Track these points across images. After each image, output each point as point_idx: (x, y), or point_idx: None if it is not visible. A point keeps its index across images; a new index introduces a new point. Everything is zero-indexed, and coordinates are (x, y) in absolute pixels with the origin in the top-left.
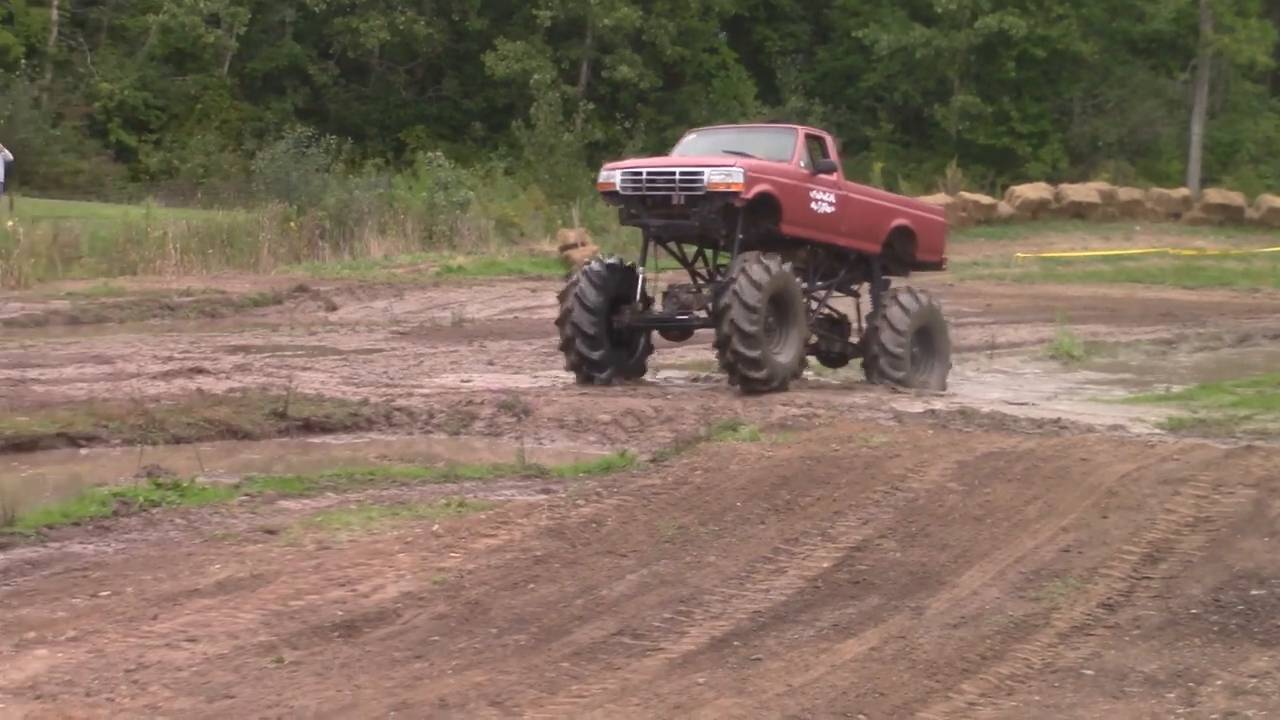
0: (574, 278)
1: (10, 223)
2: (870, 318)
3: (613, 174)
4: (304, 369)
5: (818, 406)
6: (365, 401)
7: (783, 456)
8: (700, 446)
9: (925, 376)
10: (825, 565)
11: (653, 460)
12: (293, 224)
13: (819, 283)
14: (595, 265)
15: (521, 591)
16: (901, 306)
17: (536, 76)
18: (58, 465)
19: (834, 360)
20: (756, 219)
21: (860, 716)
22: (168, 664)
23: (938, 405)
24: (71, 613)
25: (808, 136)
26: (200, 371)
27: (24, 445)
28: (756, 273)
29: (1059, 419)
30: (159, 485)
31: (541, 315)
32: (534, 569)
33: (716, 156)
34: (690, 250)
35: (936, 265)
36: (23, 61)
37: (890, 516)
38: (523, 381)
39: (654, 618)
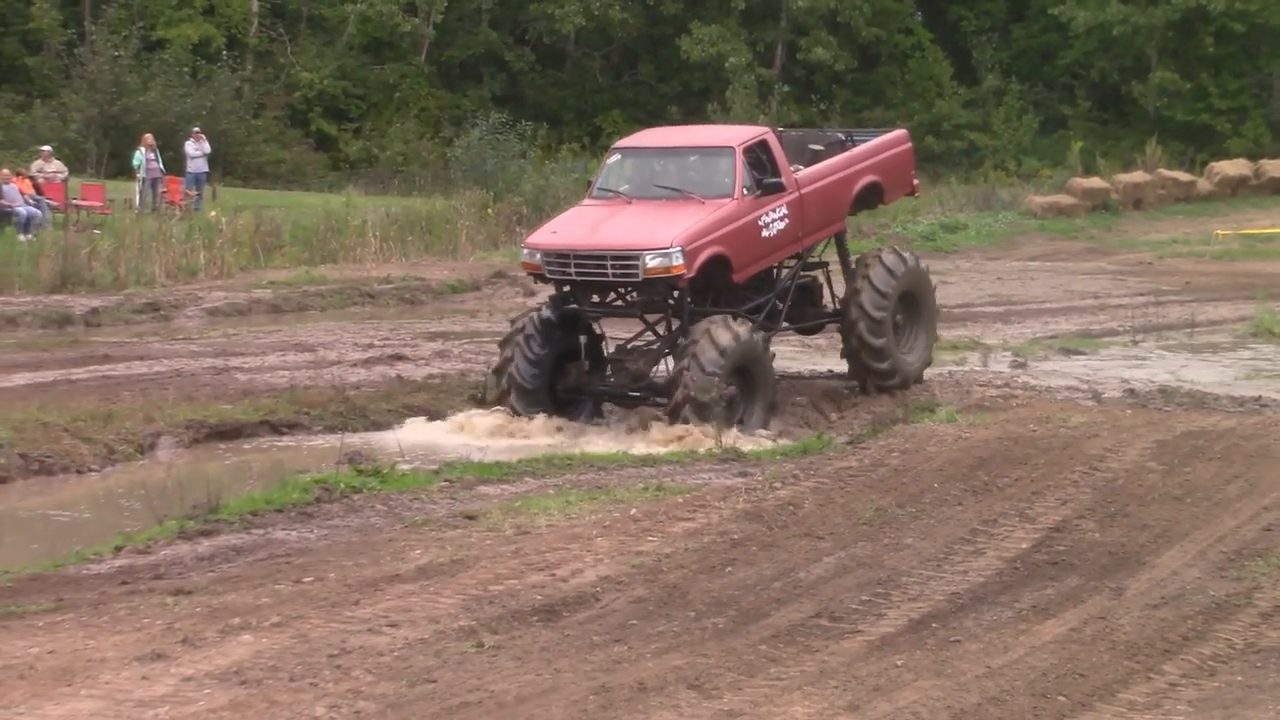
0: (519, 323)
1: (213, 213)
2: (850, 278)
3: (535, 254)
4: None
5: (1015, 387)
6: None
7: (980, 438)
8: (897, 429)
9: (908, 346)
10: (1024, 546)
11: (850, 443)
12: (490, 210)
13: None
14: (545, 311)
15: (719, 575)
16: (886, 267)
17: (731, 60)
18: (261, 452)
19: (808, 330)
20: (704, 279)
21: (1060, 698)
22: (370, 649)
23: (1136, 384)
24: (275, 599)
25: (748, 151)
26: (400, 358)
27: (228, 433)
28: (722, 338)
29: (1259, 397)
30: (360, 472)
31: None
32: (731, 552)
33: (651, 217)
34: None
35: (909, 195)
36: (224, 53)
37: (1089, 497)
38: None
39: (852, 600)
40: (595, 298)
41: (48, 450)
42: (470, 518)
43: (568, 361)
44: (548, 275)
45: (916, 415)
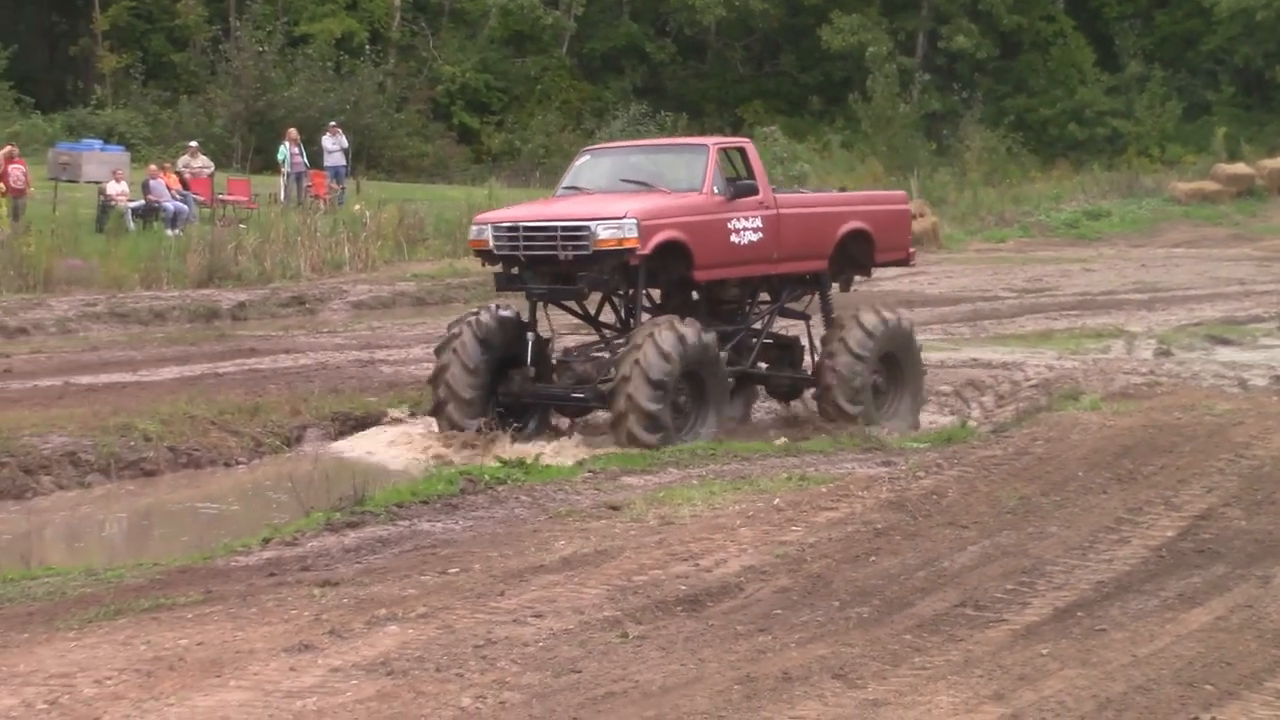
0: (455, 329)
1: (357, 206)
2: (825, 340)
3: (484, 230)
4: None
5: (1160, 375)
6: None
7: (1124, 425)
8: (1041, 416)
9: (891, 410)
10: (1169, 534)
11: (993, 431)
12: None
13: (760, 304)
14: (484, 316)
15: (863, 564)
16: (863, 328)
17: (872, 49)
18: (406, 444)
19: (784, 392)
20: (662, 270)
21: (1207, 687)
22: (515, 639)
23: None
24: (421, 590)
25: (723, 152)
26: None
27: (373, 425)
28: (668, 342)
29: None
30: (504, 463)
31: (881, 288)
32: (875, 541)
33: (608, 199)
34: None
35: (903, 262)
36: (367, 47)
37: (1235, 484)
38: None
39: (996, 589)
40: (541, 286)
41: (196, 443)
42: (614, 508)
43: (512, 368)
44: (495, 252)
45: (1061, 403)
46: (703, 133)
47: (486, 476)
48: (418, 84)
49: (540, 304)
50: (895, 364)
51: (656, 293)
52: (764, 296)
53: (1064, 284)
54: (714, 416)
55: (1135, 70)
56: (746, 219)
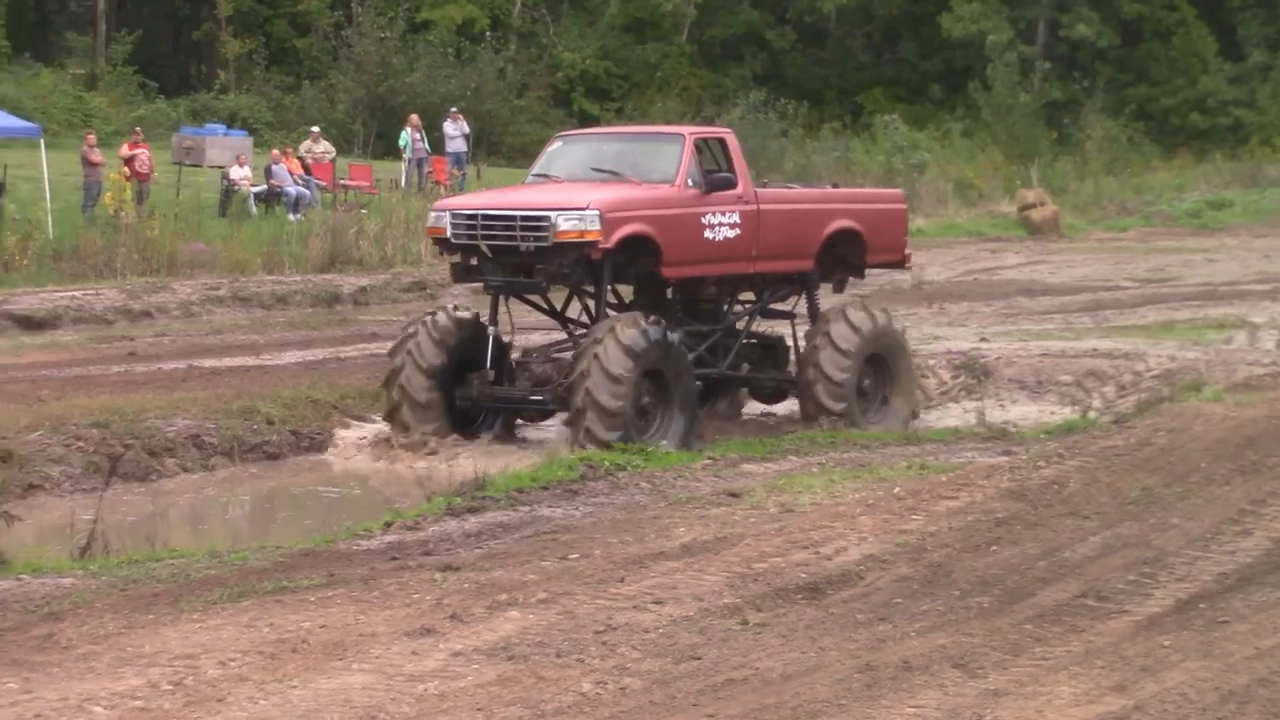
0: (411, 329)
1: None
2: (809, 336)
3: (442, 217)
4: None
5: None
6: None
7: (1248, 416)
8: (1163, 407)
9: (879, 415)
10: None
11: (1115, 421)
12: None
13: (743, 303)
14: (441, 316)
15: (983, 553)
16: (850, 324)
17: (993, 37)
18: (529, 430)
19: (768, 394)
20: (630, 265)
21: None
22: (635, 625)
23: None
24: (542, 575)
25: (700, 142)
26: None
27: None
28: (630, 337)
29: None
30: (623, 449)
31: (1001, 277)
32: (995, 531)
33: (573, 189)
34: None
35: (898, 264)
36: (488, 34)
37: None
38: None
39: (1118, 580)
40: (499, 278)
41: (318, 427)
42: (734, 495)
43: (470, 371)
44: (453, 241)
45: (1183, 394)
46: (822, 121)
47: (606, 463)
48: (538, 70)
49: (503, 300)
50: (884, 366)
51: (631, 289)
52: (749, 296)
53: (1186, 274)
54: (681, 420)
55: (1258, 59)
56: (722, 214)
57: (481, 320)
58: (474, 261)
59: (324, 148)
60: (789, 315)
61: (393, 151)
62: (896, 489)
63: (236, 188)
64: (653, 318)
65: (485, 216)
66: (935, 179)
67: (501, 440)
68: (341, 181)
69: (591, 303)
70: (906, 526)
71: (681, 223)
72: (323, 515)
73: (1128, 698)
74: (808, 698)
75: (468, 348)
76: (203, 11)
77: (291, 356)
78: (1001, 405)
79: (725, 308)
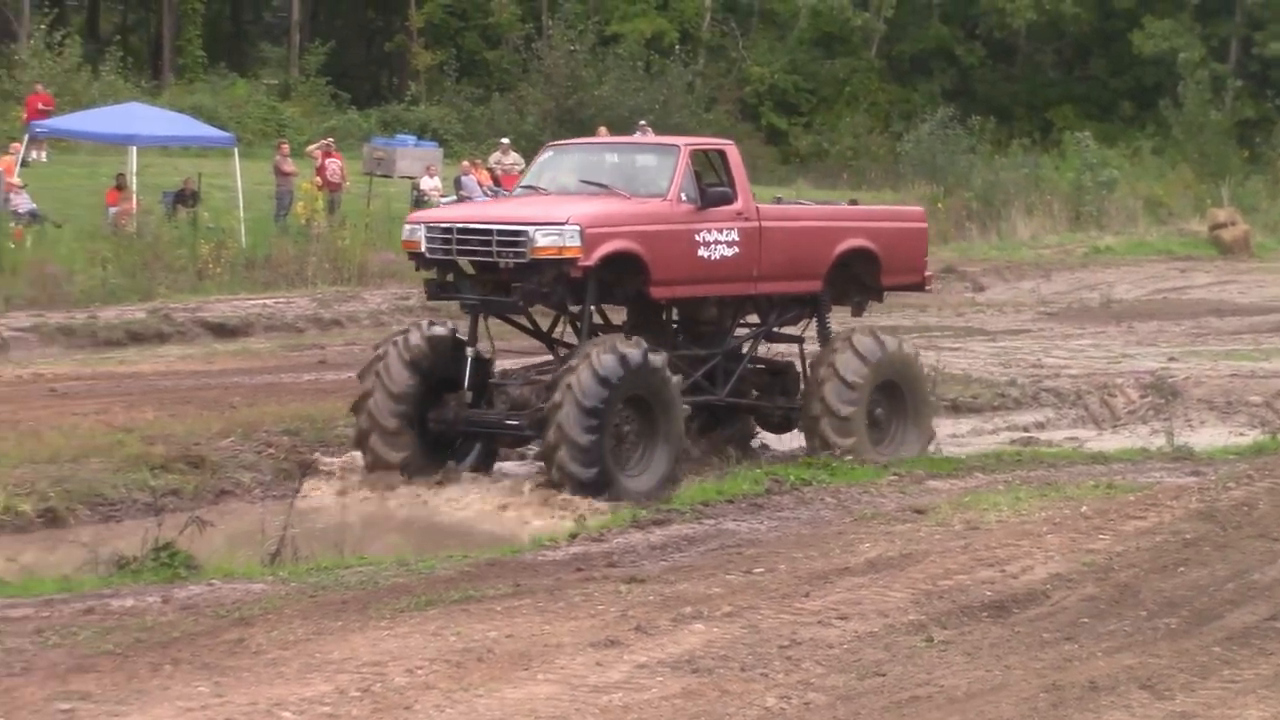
0: (380, 350)
1: None
2: (815, 365)
3: (416, 230)
4: (952, 349)
5: None
6: (1013, 382)
7: None
8: None
9: (892, 445)
10: None
11: None
12: (940, 205)
13: (748, 326)
14: (413, 335)
15: (1171, 574)
16: (857, 353)
17: (1184, 54)
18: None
19: (776, 423)
20: (616, 283)
21: None
22: (819, 641)
23: None
24: (726, 588)
25: (696, 154)
26: None
27: None
28: (606, 364)
29: None
30: (810, 464)
31: (1191, 296)
32: (1183, 552)
33: (556, 202)
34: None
35: (918, 286)
36: (676, 47)
37: None
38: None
39: None
40: (475, 296)
41: None
42: (919, 512)
43: (449, 391)
44: (428, 256)
45: None
46: (1011, 138)
47: (792, 477)
48: (727, 84)
49: (482, 318)
50: (897, 393)
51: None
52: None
53: None
54: (666, 453)
55: None
56: (719, 231)
57: (460, 336)
58: (450, 278)
59: (513, 159)
60: (798, 339)
61: None
62: (1084, 508)
63: (426, 198)
64: (634, 339)
65: (461, 230)
66: (1125, 197)
67: (484, 467)
68: None
69: (578, 323)
70: (1093, 546)
71: (672, 240)
72: (509, 526)
73: None
74: (992, 716)
75: (444, 367)
76: (395, 23)
77: None
78: (1190, 426)
79: (728, 331)
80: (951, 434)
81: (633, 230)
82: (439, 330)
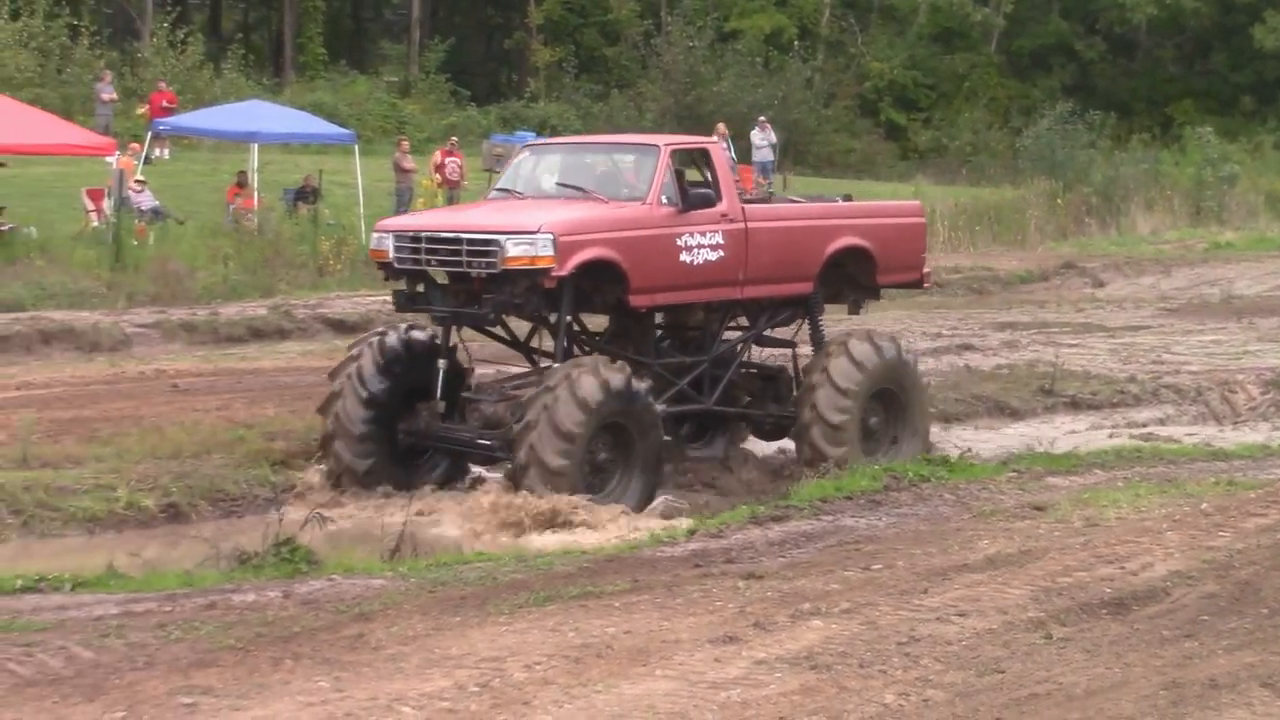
0: (355, 350)
1: None
2: (807, 371)
3: (384, 239)
4: (1071, 346)
5: None
6: (1132, 378)
7: None
8: None
9: (888, 454)
10: None
11: None
12: (1059, 200)
13: (738, 329)
14: (390, 337)
15: None
16: (852, 358)
17: None
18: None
19: (768, 430)
20: (595, 291)
21: None
22: (938, 637)
23: None
24: (845, 585)
25: (677, 154)
26: (968, 348)
27: None
28: (587, 388)
29: None
30: (928, 461)
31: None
32: None
33: (529, 208)
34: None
35: (916, 284)
36: (795, 43)
37: None
38: None
39: None
40: (445, 308)
41: None
42: (1038, 509)
43: (422, 400)
44: (396, 265)
45: None
46: (1131, 133)
47: (910, 474)
48: (846, 80)
49: (456, 330)
50: (894, 401)
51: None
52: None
53: None
54: (640, 481)
55: None
56: (702, 234)
57: (437, 343)
58: (420, 288)
59: None
60: (790, 344)
61: None
62: (1204, 505)
63: None
64: (618, 364)
65: (430, 239)
66: (1246, 192)
67: (454, 481)
68: None
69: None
70: (1214, 543)
71: (652, 245)
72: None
73: None
74: (1112, 714)
75: (420, 373)
76: (514, 20)
77: None
78: None
79: (716, 336)
80: (1070, 430)
81: (609, 237)
82: (418, 334)
